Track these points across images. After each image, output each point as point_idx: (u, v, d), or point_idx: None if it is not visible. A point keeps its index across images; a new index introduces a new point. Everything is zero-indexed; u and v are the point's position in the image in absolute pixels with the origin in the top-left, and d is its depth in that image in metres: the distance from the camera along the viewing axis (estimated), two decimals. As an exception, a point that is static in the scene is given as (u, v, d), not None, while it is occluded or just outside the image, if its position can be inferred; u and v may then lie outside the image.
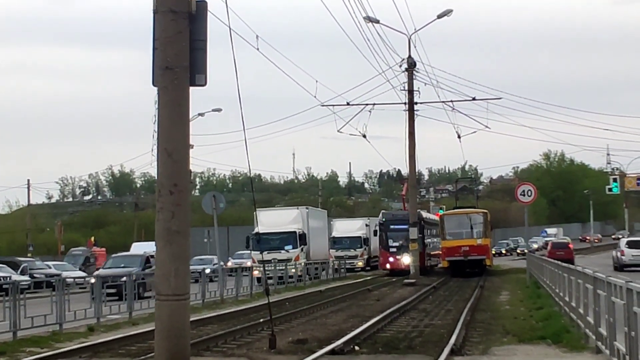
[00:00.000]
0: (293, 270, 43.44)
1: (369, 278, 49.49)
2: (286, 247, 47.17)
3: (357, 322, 21.68)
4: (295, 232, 47.87)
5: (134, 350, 17.24)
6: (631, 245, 48.09)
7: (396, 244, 55.04)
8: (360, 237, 64.01)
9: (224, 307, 28.66)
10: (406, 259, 51.51)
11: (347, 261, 58.04)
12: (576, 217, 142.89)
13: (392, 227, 55.93)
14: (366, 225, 65.39)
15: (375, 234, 58.90)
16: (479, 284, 39.10)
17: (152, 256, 40.32)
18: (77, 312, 22.61)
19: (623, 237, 64.65)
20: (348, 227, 65.90)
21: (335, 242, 62.98)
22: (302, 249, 47.82)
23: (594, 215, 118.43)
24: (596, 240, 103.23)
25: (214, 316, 24.55)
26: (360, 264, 62.72)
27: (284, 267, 41.74)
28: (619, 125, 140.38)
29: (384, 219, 57.39)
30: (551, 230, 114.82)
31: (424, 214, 60.33)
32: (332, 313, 25.84)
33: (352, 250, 63.31)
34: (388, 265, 55.69)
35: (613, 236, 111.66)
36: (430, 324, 21.59)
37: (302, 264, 45.80)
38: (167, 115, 11.67)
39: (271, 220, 47.23)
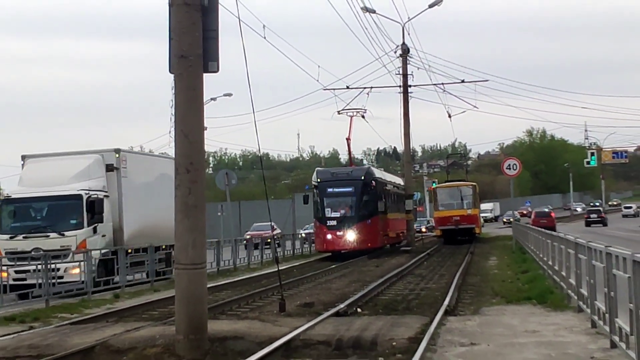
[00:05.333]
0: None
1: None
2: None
3: (359, 287, 21.69)
4: (80, 196, 22.90)
5: (156, 314, 17.26)
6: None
7: (336, 214, 37.01)
8: (79, 196, 22.86)
9: (237, 275, 28.70)
10: (351, 236, 36.68)
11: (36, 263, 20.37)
12: (557, 189, 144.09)
13: (329, 190, 37.26)
14: (107, 166, 24.28)
15: (306, 201, 39.97)
16: (469, 250, 39.09)
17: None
18: (103, 281, 22.68)
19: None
20: (45, 172, 23.66)
21: (15, 216, 23.32)
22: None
23: (574, 187, 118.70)
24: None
25: (228, 283, 24.59)
26: (75, 271, 21.45)
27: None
28: (596, 104, 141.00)
29: (318, 180, 37.87)
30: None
31: (377, 172, 42.40)
32: (336, 279, 25.85)
33: (50, 234, 22.54)
34: (325, 245, 37.33)
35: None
36: (426, 288, 21.59)
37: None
38: (183, 99, 11.66)
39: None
